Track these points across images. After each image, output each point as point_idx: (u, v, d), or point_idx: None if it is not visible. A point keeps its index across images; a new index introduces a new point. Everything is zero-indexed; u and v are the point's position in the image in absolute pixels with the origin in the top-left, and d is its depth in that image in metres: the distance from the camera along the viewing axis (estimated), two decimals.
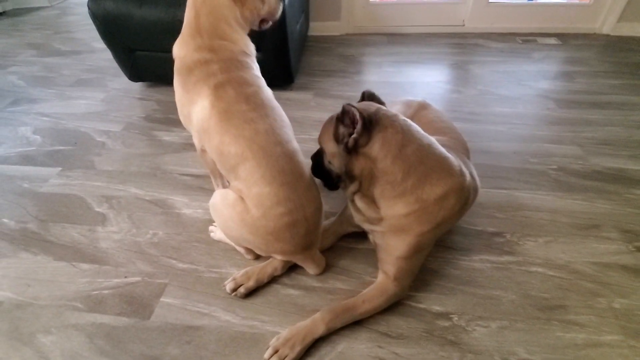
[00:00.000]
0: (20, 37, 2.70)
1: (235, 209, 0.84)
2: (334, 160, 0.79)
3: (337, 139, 0.76)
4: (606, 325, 0.84)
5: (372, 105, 0.79)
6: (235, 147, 0.81)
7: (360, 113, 0.71)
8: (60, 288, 0.96)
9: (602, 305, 0.88)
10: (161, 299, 0.92)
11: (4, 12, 3.27)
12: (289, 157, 0.83)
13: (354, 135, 0.72)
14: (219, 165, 0.88)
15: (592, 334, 0.83)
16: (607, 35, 2.35)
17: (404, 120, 0.78)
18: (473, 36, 2.43)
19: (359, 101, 0.87)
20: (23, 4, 3.38)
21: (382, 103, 0.88)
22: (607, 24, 2.34)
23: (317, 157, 0.88)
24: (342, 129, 0.75)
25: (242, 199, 0.84)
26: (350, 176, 0.80)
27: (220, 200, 0.88)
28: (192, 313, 0.89)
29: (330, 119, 0.81)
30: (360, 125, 0.71)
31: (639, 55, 2.09)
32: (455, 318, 0.87)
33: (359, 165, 0.77)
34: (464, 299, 0.91)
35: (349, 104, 0.71)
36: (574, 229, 1.07)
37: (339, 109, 0.75)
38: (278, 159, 0.81)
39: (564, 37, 2.35)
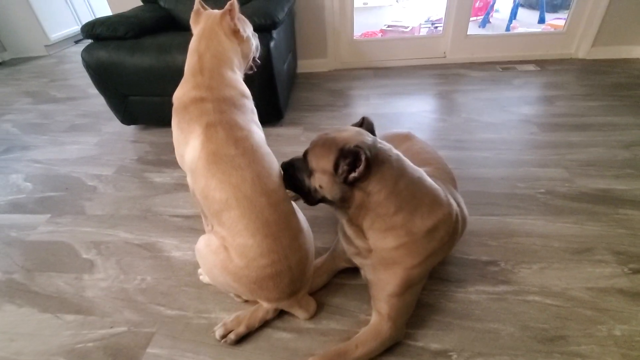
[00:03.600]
0: (17, 85, 2.78)
1: (218, 256, 0.83)
2: (325, 186, 0.78)
3: (336, 170, 0.75)
4: (608, 355, 0.81)
5: (367, 137, 0.78)
6: (220, 193, 0.80)
7: (367, 157, 0.70)
8: (44, 342, 0.92)
9: (603, 333, 0.86)
10: (147, 350, 0.88)
11: (2, 62, 3.38)
12: (274, 207, 0.81)
13: (355, 175, 0.72)
14: (204, 208, 0.88)
15: None
16: (583, 60, 2.46)
17: (397, 154, 0.79)
18: (455, 66, 2.53)
19: (356, 124, 0.86)
20: (21, 53, 3.51)
21: (374, 134, 0.86)
22: (581, 49, 2.46)
23: (292, 169, 0.85)
24: (343, 164, 0.73)
25: (225, 247, 0.83)
26: (341, 204, 0.79)
27: (204, 246, 0.87)
28: None
29: (325, 141, 0.78)
30: (363, 167, 0.71)
31: (613, 76, 2.18)
32: (455, 356, 0.84)
33: (352, 197, 0.77)
34: (462, 335, 0.88)
35: (358, 146, 0.71)
36: (567, 253, 1.07)
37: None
38: (263, 210, 0.80)
39: (541, 63, 2.46)
